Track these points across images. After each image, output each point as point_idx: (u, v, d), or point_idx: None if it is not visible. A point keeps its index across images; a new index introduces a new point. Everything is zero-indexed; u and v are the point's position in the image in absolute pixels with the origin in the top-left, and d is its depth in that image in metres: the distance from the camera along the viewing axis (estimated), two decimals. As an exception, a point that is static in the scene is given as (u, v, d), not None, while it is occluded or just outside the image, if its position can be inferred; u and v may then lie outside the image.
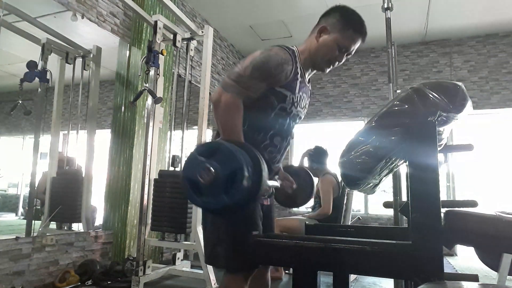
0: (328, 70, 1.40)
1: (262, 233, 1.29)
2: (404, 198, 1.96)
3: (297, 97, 1.32)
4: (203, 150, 0.99)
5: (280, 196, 1.59)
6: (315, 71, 1.43)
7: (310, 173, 1.67)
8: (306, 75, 1.40)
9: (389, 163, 1.17)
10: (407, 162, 1.12)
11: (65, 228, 3.35)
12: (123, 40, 3.66)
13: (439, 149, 1.18)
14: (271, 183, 1.27)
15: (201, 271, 2.88)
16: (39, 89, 3.16)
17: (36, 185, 3.26)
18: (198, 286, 2.94)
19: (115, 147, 3.60)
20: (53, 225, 3.31)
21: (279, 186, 1.40)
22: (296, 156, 6.24)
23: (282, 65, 1.24)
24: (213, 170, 0.93)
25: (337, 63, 1.39)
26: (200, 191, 0.96)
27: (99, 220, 3.63)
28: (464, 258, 4.74)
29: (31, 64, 3.04)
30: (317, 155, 3.52)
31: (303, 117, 1.44)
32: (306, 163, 3.53)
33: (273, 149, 1.33)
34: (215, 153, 0.97)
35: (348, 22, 1.33)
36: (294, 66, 1.28)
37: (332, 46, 1.33)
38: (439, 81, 1.15)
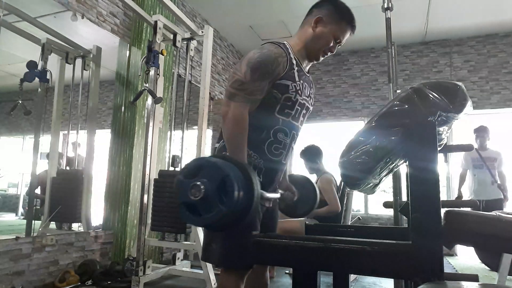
0: (322, 59, 1.45)
1: (263, 233, 1.29)
2: (404, 198, 1.96)
3: (299, 84, 1.32)
4: (187, 171, 1.01)
5: (281, 203, 1.58)
6: (311, 63, 1.46)
7: (314, 184, 1.66)
8: (303, 65, 1.41)
9: (389, 163, 1.17)
10: (407, 162, 1.12)
11: (65, 228, 3.35)
12: (123, 40, 3.66)
13: (439, 149, 1.18)
14: (271, 195, 1.28)
15: (201, 271, 2.88)
16: (39, 89, 3.16)
17: (36, 184, 3.26)
18: (198, 286, 2.94)
19: (115, 147, 3.59)
20: (53, 225, 3.31)
21: (280, 197, 1.40)
22: (296, 154, 6.24)
23: (277, 59, 1.25)
24: (202, 186, 0.94)
25: (330, 53, 1.43)
26: (198, 212, 0.97)
27: (97, 221, 3.63)
28: (464, 258, 4.74)
29: (31, 64, 3.04)
30: (312, 154, 3.51)
31: (311, 108, 1.43)
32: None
33: (278, 145, 1.32)
34: (200, 170, 0.99)
35: (342, 14, 1.38)
36: (288, 57, 1.30)
37: (329, 37, 1.37)
38: (439, 81, 1.14)
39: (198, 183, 0.95)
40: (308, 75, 1.44)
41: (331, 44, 1.39)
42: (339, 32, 1.37)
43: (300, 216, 1.66)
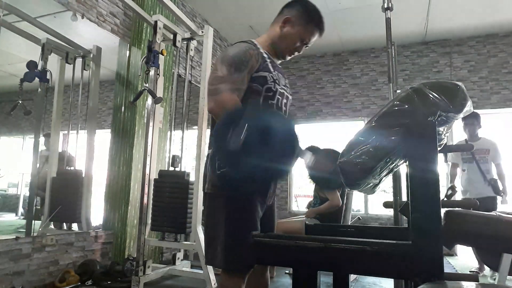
0: (288, 58, 1.48)
1: (262, 233, 1.29)
2: (404, 198, 1.96)
3: (275, 75, 1.36)
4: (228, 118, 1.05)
5: (316, 174, 1.56)
6: (279, 60, 1.49)
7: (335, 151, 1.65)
8: (275, 59, 1.45)
9: (389, 163, 1.17)
10: (407, 162, 1.12)
11: (65, 228, 3.35)
12: (123, 40, 3.66)
13: (439, 149, 1.18)
14: (307, 155, 1.27)
15: (201, 271, 2.88)
16: (39, 89, 3.16)
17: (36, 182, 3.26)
18: (198, 286, 2.94)
19: (115, 147, 3.60)
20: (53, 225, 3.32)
21: (314, 165, 1.40)
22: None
23: (248, 51, 1.30)
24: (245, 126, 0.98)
25: (296, 53, 1.46)
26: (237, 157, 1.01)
27: (97, 221, 3.63)
28: (464, 258, 4.74)
29: (31, 64, 3.04)
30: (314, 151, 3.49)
31: (290, 97, 1.47)
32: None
33: None
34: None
35: (311, 16, 1.40)
36: (258, 51, 1.34)
37: (295, 38, 1.41)
38: (439, 81, 1.14)
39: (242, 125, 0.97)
40: (280, 66, 1.47)
41: (297, 45, 1.42)
42: (306, 34, 1.40)
43: (334, 187, 1.63)
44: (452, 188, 3.30)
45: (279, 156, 1.04)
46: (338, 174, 1.55)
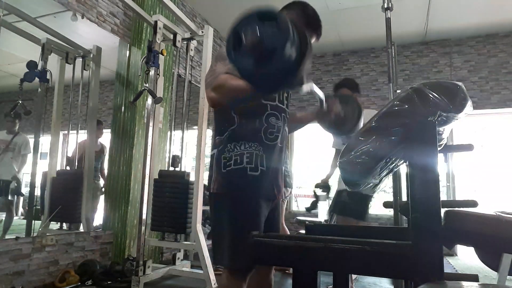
0: None
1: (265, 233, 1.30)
2: (404, 198, 1.96)
3: None
4: (238, 21, 1.01)
5: (328, 119, 1.55)
6: None
7: (358, 101, 1.62)
8: None
9: (389, 163, 1.17)
10: (407, 162, 1.12)
11: (65, 228, 3.35)
12: (123, 40, 3.66)
13: (439, 149, 1.18)
14: (317, 90, 1.27)
15: (201, 271, 2.88)
16: (39, 89, 3.17)
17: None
18: (198, 286, 2.94)
19: (115, 147, 3.60)
20: (52, 225, 3.31)
21: (323, 99, 1.40)
22: (296, 157, 6.25)
23: None
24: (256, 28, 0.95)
25: None
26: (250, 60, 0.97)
27: (97, 221, 3.63)
28: (464, 258, 4.74)
29: (31, 64, 3.04)
30: None
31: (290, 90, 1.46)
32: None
33: (273, 130, 1.35)
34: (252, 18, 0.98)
35: (309, 20, 1.39)
36: None
37: None
38: (439, 81, 1.14)
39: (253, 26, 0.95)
40: None
41: None
42: None
43: (346, 132, 1.59)
44: (324, 186, 2.95)
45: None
46: (349, 119, 1.54)
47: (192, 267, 3.35)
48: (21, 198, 3.58)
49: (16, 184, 3.27)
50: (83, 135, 3.60)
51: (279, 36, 0.94)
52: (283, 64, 0.95)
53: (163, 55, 3.00)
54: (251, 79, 1.05)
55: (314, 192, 3.25)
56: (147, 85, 2.84)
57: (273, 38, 0.94)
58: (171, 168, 3.17)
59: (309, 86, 1.20)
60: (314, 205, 3.35)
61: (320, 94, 1.37)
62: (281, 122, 1.38)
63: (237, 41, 0.98)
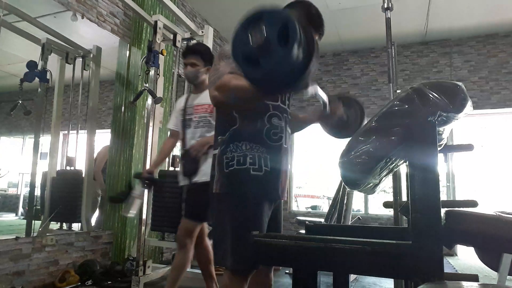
0: None
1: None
2: (404, 198, 1.96)
3: None
4: (246, 21, 1.02)
5: (331, 121, 1.56)
6: None
7: (361, 104, 1.62)
8: None
9: (389, 163, 1.17)
10: (407, 162, 1.12)
11: (65, 228, 3.35)
12: (123, 40, 3.66)
13: (439, 149, 1.18)
14: (321, 92, 1.26)
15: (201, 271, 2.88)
16: (39, 89, 3.16)
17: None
18: (198, 286, 2.94)
19: (115, 147, 3.59)
20: (52, 225, 3.31)
21: (326, 102, 1.40)
22: (296, 156, 6.24)
23: None
24: (263, 27, 0.94)
25: None
26: (253, 62, 0.96)
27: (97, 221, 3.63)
28: (464, 258, 4.74)
29: (31, 64, 3.04)
30: None
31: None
32: None
33: (276, 130, 1.34)
34: (260, 18, 0.98)
35: (311, 19, 1.39)
36: None
37: None
38: (439, 81, 1.15)
39: (260, 25, 0.94)
40: None
41: None
42: None
43: (347, 135, 1.58)
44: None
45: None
46: (353, 121, 1.53)
47: (192, 267, 3.35)
48: (21, 198, 3.59)
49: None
50: (83, 135, 3.60)
51: (287, 38, 0.92)
52: (290, 66, 0.94)
53: (163, 55, 3.00)
54: (257, 81, 1.04)
55: None
56: (147, 85, 2.84)
57: (280, 40, 0.93)
58: (171, 168, 3.17)
59: (314, 89, 1.19)
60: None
61: (324, 96, 1.36)
62: (283, 123, 1.38)
63: (243, 43, 0.96)
